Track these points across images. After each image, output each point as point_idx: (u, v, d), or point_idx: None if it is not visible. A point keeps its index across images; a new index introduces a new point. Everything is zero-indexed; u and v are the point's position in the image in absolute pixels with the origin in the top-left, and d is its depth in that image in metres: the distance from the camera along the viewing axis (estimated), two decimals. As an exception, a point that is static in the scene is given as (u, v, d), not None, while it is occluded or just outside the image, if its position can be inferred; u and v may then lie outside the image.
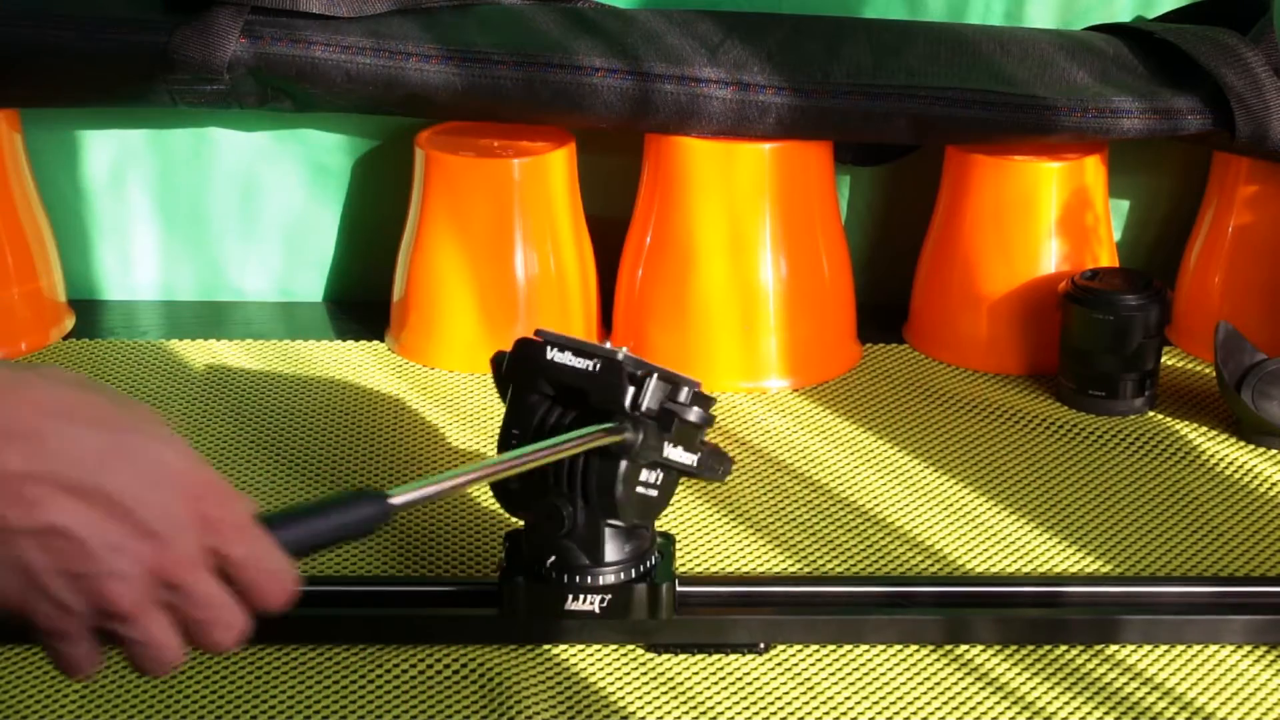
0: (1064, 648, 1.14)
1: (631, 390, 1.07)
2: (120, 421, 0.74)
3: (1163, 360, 1.50)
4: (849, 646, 1.14)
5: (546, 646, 1.14)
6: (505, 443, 1.11)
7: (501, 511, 1.14)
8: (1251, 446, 1.42)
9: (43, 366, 0.77)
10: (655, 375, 1.07)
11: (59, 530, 0.71)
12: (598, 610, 1.11)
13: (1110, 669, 1.12)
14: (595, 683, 1.11)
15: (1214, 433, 1.44)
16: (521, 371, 1.11)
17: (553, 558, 1.10)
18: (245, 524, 0.78)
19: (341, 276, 1.72)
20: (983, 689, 1.10)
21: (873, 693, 1.10)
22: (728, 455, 1.13)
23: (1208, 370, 1.54)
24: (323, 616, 1.15)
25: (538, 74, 1.47)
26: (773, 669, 1.12)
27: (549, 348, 1.10)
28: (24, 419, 0.71)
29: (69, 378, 0.75)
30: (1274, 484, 1.36)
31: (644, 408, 1.07)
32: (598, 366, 1.08)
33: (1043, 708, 1.09)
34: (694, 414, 1.08)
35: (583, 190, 1.58)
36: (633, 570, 1.10)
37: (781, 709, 1.09)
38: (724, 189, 1.51)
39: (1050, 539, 1.28)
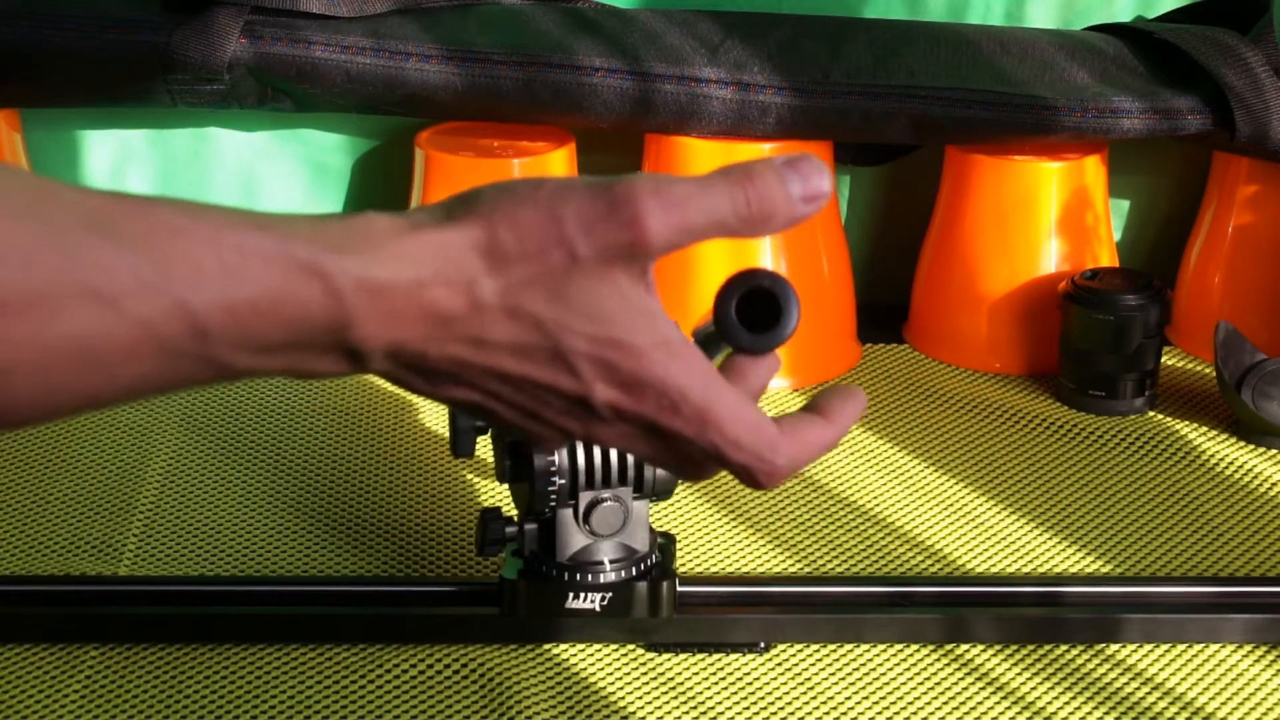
0: (1064, 647, 1.14)
1: None
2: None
3: (1163, 360, 1.50)
4: (849, 646, 1.14)
5: (547, 646, 1.14)
6: (541, 472, 1.08)
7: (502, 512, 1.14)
8: (1251, 446, 1.42)
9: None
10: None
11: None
12: (598, 608, 1.11)
13: (1110, 668, 1.12)
14: (595, 682, 1.11)
15: (1214, 433, 1.44)
16: None
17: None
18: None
19: (341, 277, 1.71)
20: (983, 689, 1.10)
21: (873, 692, 1.10)
22: None
23: (1208, 370, 1.54)
24: (323, 616, 1.15)
25: (538, 74, 1.47)
26: (773, 669, 1.12)
27: None
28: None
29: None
30: (1274, 484, 1.36)
31: None
32: None
33: (1043, 708, 1.09)
34: None
35: (583, 190, 1.58)
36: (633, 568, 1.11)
37: (781, 709, 1.08)
38: (724, 189, 1.51)
39: (1050, 539, 1.28)
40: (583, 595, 1.10)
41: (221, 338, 0.62)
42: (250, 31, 1.46)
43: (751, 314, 0.71)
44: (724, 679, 1.11)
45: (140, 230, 0.61)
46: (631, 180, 0.65)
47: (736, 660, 1.13)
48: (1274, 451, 1.41)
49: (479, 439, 1.18)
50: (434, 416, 1.46)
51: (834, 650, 1.14)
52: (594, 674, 1.11)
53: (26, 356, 0.59)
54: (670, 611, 1.12)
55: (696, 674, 1.12)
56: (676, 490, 1.13)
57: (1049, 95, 1.47)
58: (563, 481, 1.07)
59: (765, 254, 1.51)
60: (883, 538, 1.28)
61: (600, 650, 1.13)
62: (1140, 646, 1.14)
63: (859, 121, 1.48)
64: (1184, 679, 1.11)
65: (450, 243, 0.64)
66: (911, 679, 1.11)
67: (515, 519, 1.11)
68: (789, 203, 0.68)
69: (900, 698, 1.09)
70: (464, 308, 0.64)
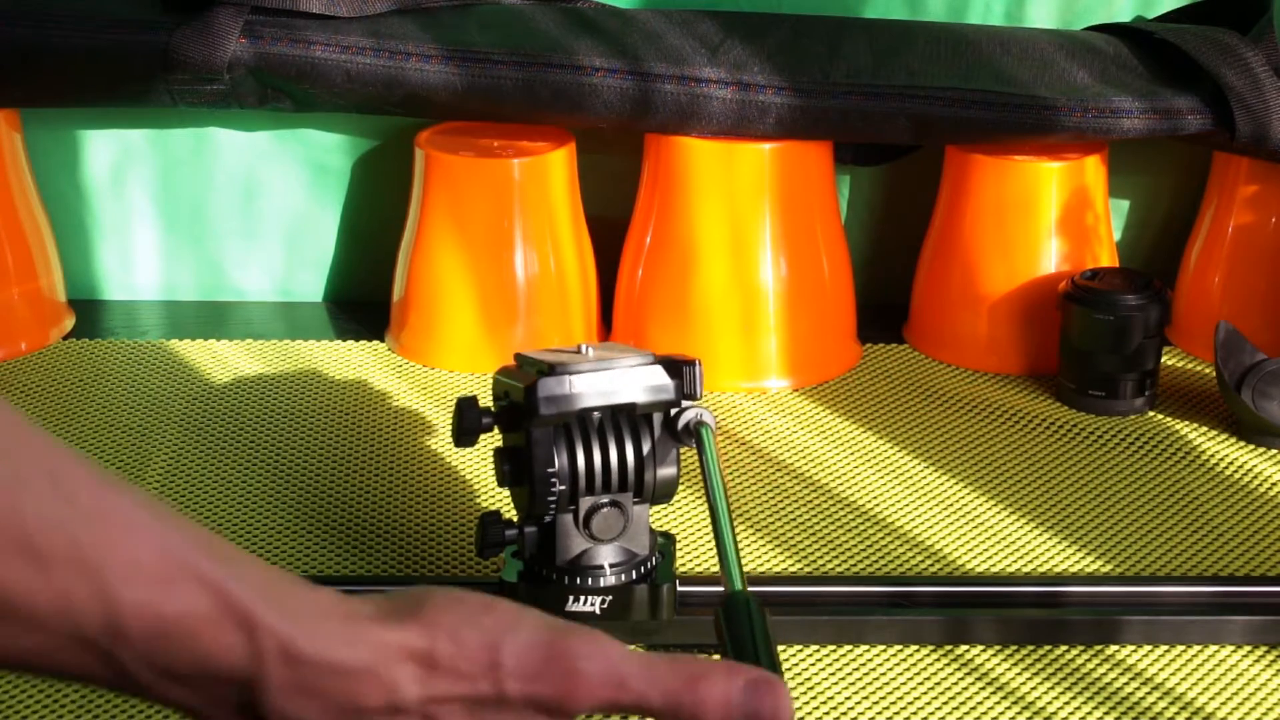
0: (1064, 648, 1.14)
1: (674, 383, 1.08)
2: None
3: (1163, 360, 1.50)
4: (849, 646, 1.14)
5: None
6: (541, 485, 1.07)
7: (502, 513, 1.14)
8: (1251, 446, 1.42)
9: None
10: (698, 364, 1.08)
11: None
12: (598, 611, 1.11)
13: (1111, 669, 1.12)
14: (596, 683, 1.10)
15: (1214, 433, 1.44)
16: (547, 412, 1.07)
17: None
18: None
19: (341, 276, 1.72)
20: (983, 689, 1.10)
21: (873, 693, 1.10)
22: None
23: (1208, 370, 1.54)
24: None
25: (538, 74, 1.47)
26: (773, 669, 1.12)
27: (568, 380, 1.07)
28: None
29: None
30: (1274, 484, 1.36)
31: (698, 394, 1.07)
32: (636, 371, 1.07)
33: (1043, 708, 1.09)
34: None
35: (583, 190, 1.58)
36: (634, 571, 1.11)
37: (782, 709, 1.08)
38: (724, 189, 1.51)
39: (1050, 539, 1.28)
40: (582, 598, 1.10)
41: (132, 643, 0.62)
42: (250, 31, 1.46)
43: None
44: (724, 680, 1.11)
45: (96, 506, 0.61)
46: (579, 638, 0.67)
47: (737, 661, 1.13)
48: (1274, 451, 1.41)
49: (481, 436, 1.17)
50: (434, 416, 1.46)
51: (834, 651, 1.14)
52: (594, 675, 1.11)
53: None
54: (670, 614, 1.12)
55: (697, 675, 1.11)
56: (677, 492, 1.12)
57: (1049, 95, 1.47)
58: (563, 487, 1.07)
59: (765, 253, 1.51)
60: (883, 538, 1.28)
61: (600, 651, 1.13)
62: (1140, 647, 1.14)
63: (859, 121, 1.48)
64: (1184, 679, 1.11)
65: (387, 642, 0.65)
66: (912, 680, 1.11)
67: (515, 521, 1.11)
68: None
69: (901, 698, 1.09)
70: (380, 704, 0.65)
